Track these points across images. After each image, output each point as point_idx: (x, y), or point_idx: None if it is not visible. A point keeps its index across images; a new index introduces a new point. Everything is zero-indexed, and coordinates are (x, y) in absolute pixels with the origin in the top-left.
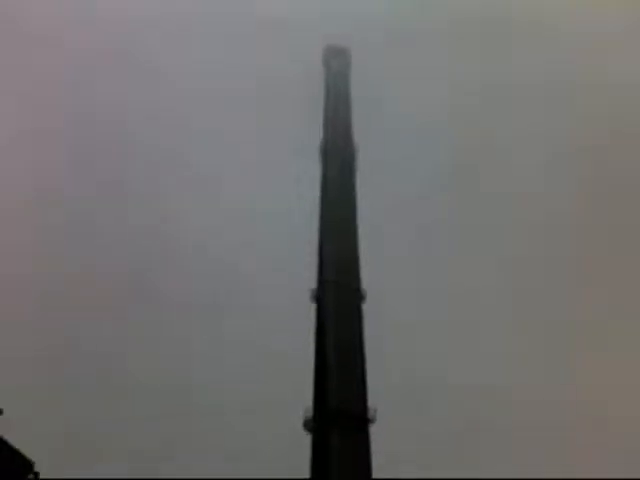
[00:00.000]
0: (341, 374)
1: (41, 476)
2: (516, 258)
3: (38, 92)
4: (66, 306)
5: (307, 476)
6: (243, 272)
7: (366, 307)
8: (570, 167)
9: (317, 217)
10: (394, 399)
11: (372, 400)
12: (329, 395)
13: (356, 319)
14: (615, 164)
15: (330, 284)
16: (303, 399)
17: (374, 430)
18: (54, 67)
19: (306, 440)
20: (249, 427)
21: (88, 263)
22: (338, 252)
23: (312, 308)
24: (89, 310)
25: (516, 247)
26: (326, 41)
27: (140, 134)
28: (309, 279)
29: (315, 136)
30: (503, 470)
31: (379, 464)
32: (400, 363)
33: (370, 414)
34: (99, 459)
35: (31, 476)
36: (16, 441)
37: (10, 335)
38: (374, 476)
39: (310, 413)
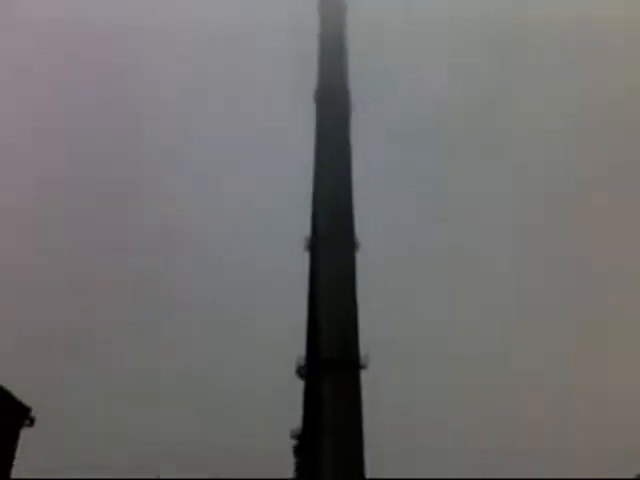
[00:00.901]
0: (333, 322)
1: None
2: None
3: None
4: None
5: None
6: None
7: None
8: None
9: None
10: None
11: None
12: (321, 342)
13: (349, 268)
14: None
15: (324, 233)
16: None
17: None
18: None
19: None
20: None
21: None
22: (332, 201)
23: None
24: None
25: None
26: None
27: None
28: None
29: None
30: None
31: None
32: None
33: (362, 361)
34: None
35: (27, 421)
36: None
37: None
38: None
39: (303, 360)
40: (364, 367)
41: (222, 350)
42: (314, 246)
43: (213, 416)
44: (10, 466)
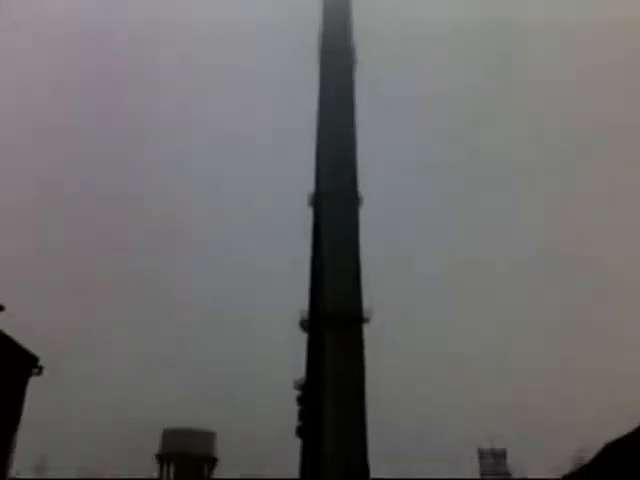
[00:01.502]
0: (337, 276)
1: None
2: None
3: None
4: None
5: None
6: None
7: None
8: None
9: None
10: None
11: None
12: (325, 296)
13: (352, 224)
14: None
15: (327, 189)
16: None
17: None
18: None
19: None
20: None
21: None
22: (336, 157)
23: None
24: None
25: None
26: None
27: None
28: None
29: None
30: None
31: None
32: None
33: (365, 314)
34: None
35: (35, 370)
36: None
37: None
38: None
39: (306, 314)
40: (366, 321)
41: (224, 301)
42: (317, 202)
43: (218, 371)
44: (20, 413)
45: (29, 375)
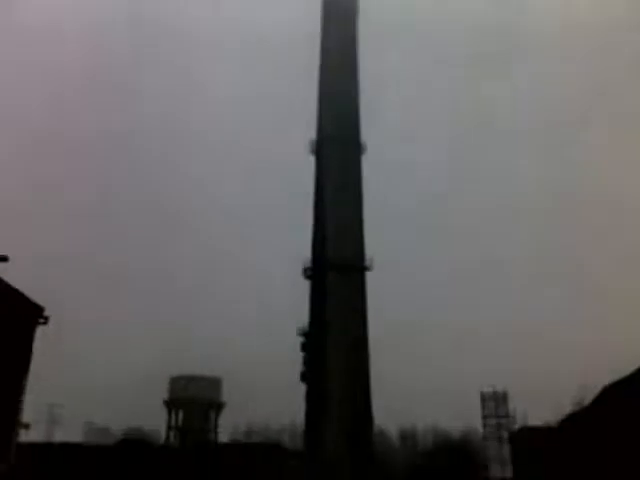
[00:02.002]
0: (339, 224)
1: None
2: None
3: None
4: None
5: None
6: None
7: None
8: None
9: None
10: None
11: None
12: (327, 244)
13: (355, 172)
14: None
15: (329, 135)
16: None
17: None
18: None
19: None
20: None
21: None
22: (338, 103)
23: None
24: None
25: None
26: None
27: None
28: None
29: None
30: None
31: None
32: None
33: (367, 262)
34: None
35: (42, 320)
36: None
37: None
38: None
39: (309, 262)
40: (368, 269)
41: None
42: (319, 149)
43: (223, 319)
44: (29, 361)
45: (35, 325)
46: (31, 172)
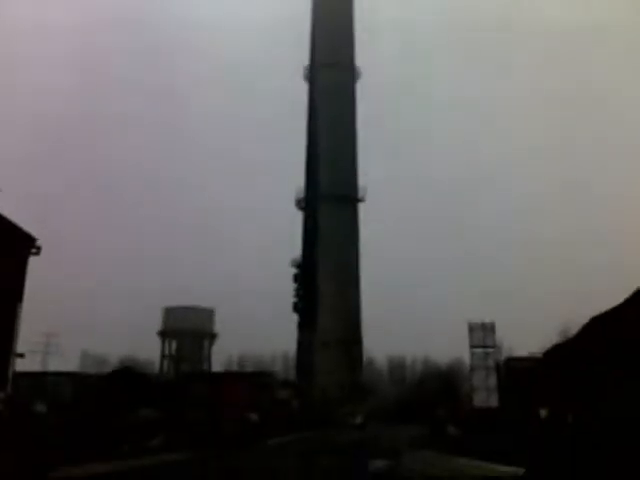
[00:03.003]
0: (332, 155)
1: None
2: None
3: None
4: None
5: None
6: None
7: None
8: None
9: None
10: None
11: None
12: (320, 175)
13: (349, 100)
14: None
15: (323, 60)
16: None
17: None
18: None
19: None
20: None
21: None
22: (332, 26)
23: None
24: None
25: None
26: None
27: None
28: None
29: None
30: None
31: None
32: None
33: (360, 194)
34: None
35: (34, 250)
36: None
37: None
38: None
39: (302, 193)
40: (361, 200)
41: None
42: (313, 75)
43: (216, 251)
44: (22, 291)
45: (28, 255)
46: None
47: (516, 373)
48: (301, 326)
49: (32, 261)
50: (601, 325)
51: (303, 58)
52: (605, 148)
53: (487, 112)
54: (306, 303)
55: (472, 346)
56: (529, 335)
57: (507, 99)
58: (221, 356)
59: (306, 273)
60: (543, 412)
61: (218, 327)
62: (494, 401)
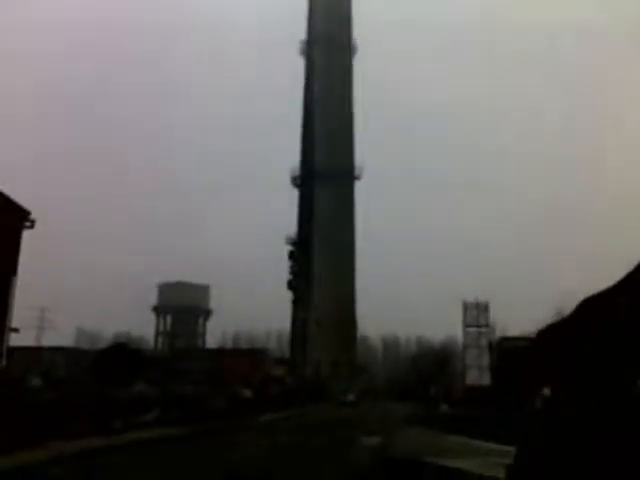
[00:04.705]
0: (329, 131)
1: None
2: None
3: None
4: None
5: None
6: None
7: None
8: None
9: None
10: None
11: None
12: (315, 152)
13: (346, 77)
14: None
15: (319, 36)
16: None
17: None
18: None
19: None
20: None
21: None
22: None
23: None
24: None
25: None
26: None
27: None
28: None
29: None
30: None
31: None
32: None
33: (356, 172)
34: None
35: (28, 223)
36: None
37: None
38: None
39: (297, 172)
40: (358, 178)
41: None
42: (309, 49)
43: (212, 228)
44: (16, 264)
45: (22, 228)
46: None
47: (509, 353)
48: (295, 303)
49: (27, 236)
50: (593, 307)
51: (299, 32)
52: (605, 149)
53: (486, 92)
54: (301, 281)
55: (466, 325)
56: (525, 315)
57: (510, 81)
58: (216, 333)
59: (301, 250)
60: (546, 391)
61: (213, 304)
62: (486, 379)
